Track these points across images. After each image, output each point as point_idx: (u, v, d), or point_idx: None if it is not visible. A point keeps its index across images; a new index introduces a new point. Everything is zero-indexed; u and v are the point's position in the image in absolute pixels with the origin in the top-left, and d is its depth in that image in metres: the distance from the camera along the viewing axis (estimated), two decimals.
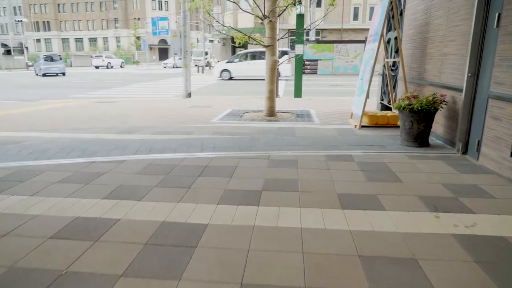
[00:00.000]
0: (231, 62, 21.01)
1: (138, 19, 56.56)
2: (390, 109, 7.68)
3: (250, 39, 7.40)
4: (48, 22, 62.76)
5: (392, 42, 7.13)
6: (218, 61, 31.57)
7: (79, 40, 62.98)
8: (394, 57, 7.12)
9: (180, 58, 12.26)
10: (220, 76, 20.58)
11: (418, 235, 2.28)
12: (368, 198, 2.89)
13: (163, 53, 57.45)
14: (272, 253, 2.08)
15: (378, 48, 5.74)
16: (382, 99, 7.98)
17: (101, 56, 42.19)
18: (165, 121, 6.96)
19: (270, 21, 7.05)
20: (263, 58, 20.57)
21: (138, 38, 51.27)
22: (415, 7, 6.00)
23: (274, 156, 4.16)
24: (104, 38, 61.73)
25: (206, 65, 36.53)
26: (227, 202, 2.83)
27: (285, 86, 14.45)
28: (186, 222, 2.48)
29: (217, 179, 3.37)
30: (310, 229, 2.36)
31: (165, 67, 40.47)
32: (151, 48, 50.73)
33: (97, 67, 40.55)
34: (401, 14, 6.61)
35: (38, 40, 63.78)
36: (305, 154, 4.25)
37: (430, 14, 5.35)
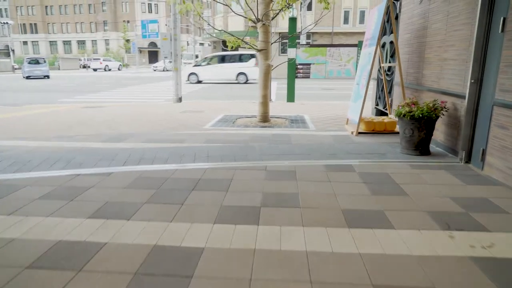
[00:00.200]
0: (199, 65, 20.95)
1: (128, 21, 55.98)
2: (385, 114, 7.57)
3: (243, 42, 7.20)
4: (35, 24, 61.69)
5: (388, 46, 7.02)
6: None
7: (67, 43, 62.02)
8: (390, 62, 7.01)
9: (170, 62, 12.00)
10: (188, 80, 20.46)
11: (434, 258, 2.10)
12: (374, 215, 2.71)
13: (153, 56, 56.94)
14: (277, 284, 1.87)
15: (375, 53, 5.60)
16: (377, 104, 7.86)
17: (99, 59, 42.84)
18: (156, 127, 6.71)
19: (264, 24, 6.87)
20: (231, 62, 20.62)
21: (127, 41, 50.72)
22: (411, 11, 5.89)
23: (271, 167, 3.96)
24: (93, 40, 60.92)
25: None
26: (224, 221, 2.61)
27: (277, 90, 14.27)
28: (180, 245, 2.26)
29: (212, 194, 3.15)
30: (317, 253, 2.16)
31: (155, 70, 40.11)
32: (140, 51, 50.22)
33: (95, 69, 41.14)
34: (396, 18, 6.49)
35: (25, 43, 62.62)
36: (304, 164, 4.06)
37: (428, 18, 5.23)
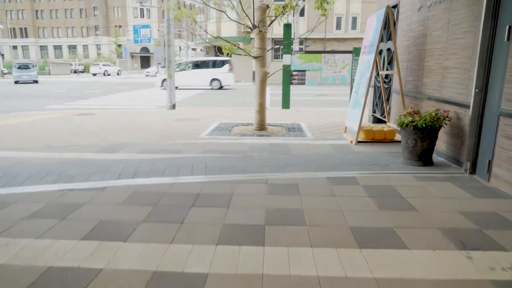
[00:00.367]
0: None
1: (120, 26, 55.63)
2: (382, 121, 7.50)
3: (238, 49, 7.09)
4: (25, 28, 60.95)
5: (385, 53, 6.97)
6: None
7: (58, 48, 61.33)
8: (387, 69, 6.95)
9: (163, 67, 11.82)
10: (162, 86, 20.39)
11: (454, 283, 1.98)
12: (385, 233, 2.58)
13: (145, 61, 56.60)
14: None
15: (375, 60, 5.52)
16: (374, 111, 7.80)
17: (98, 64, 43.39)
18: (150, 136, 6.53)
19: (260, 31, 6.77)
20: (205, 68, 20.61)
21: (119, 46, 50.36)
22: (409, 18, 5.84)
23: (272, 180, 3.82)
24: (84, 45, 60.35)
25: None
26: (228, 242, 2.46)
27: (271, 97, 14.17)
28: (183, 271, 2.10)
29: (212, 211, 2.99)
30: (329, 278, 2.02)
31: (147, 76, 39.87)
32: (132, 56, 49.87)
33: (94, 74, 41.66)
34: (394, 25, 6.43)
35: (15, 47, 61.78)
36: (306, 177, 3.93)
37: (427, 26, 5.17)
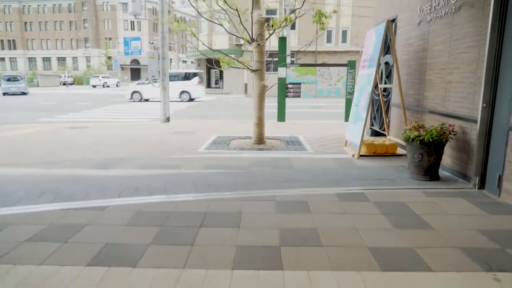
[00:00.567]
0: (142, 83, 21.00)
1: (110, 39, 55.44)
2: (380, 134, 7.50)
3: (237, 62, 7.03)
4: (13, 40, 60.26)
5: (383, 67, 7.00)
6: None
7: (46, 59, 60.67)
8: (385, 83, 6.98)
9: (155, 80, 11.69)
10: (131, 98, 20.37)
11: None
12: (406, 254, 2.49)
13: (135, 73, 56.31)
14: None
15: (376, 74, 5.52)
16: (372, 124, 7.80)
17: (98, 76, 44.05)
18: (147, 150, 6.37)
19: (259, 44, 6.74)
20: (174, 80, 20.67)
21: (109, 58, 50.13)
22: (408, 32, 5.88)
23: (280, 197, 3.71)
24: (73, 57, 59.82)
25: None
26: (244, 266, 2.33)
27: (266, 109, 14.14)
28: None
29: (223, 231, 2.87)
30: None
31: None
32: (122, 68, 49.66)
33: (94, 86, 42.22)
34: (386, 39, 6.47)
35: (2, 59, 60.93)
36: (314, 193, 3.84)
37: (427, 40, 5.20)
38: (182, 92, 20.48)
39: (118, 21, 56.23)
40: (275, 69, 10.36)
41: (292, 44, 25.93)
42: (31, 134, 8.27)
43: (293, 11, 6.62)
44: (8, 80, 25.94)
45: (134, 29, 56.63)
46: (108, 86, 42.32)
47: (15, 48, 60.56)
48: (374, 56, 5.59)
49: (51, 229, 2.91)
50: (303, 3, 6.56)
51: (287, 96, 11.11)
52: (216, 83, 35.95)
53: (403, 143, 5.81)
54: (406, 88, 5.89)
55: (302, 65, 11.57)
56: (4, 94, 25.36)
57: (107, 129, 9.18)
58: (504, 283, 2.13)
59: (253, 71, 6.89)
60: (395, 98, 6.49)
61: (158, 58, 11.08)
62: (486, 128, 3.81)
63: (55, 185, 4.10)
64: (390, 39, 5.54)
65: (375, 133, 7.70)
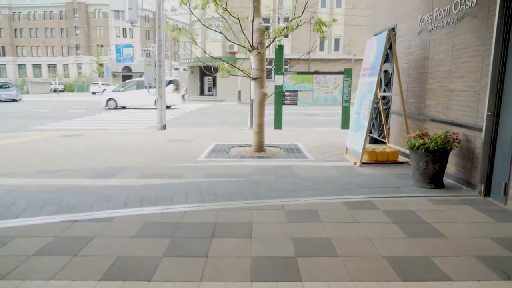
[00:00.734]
0: (117, 91, 21.13)
1: (101, 46, 55.15)
2: (379, 141, 7.54)
3: (237, 70, 7.03)
4: (3, 47, 59.53)
5: (382, 75, 7.07)
6: (186, 89, 31.15)
7: (37, 66, 59.98)
8: (385, 91, 7.04)
9: (151, 87, 11.63)
10: (107, 105, 20.38)
11: None
12: (423, 263, 2.48)
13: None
14: None
15: (378, 83, 5.56)
16: (370, 132, 7.84)
17: (98, 83, 44.29)
18: (146, 159, 6.29)
19: (259, 52, 6.75)
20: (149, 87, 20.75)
21: (101, 65, 49.83)
22: (408, 41, 5.95)
23: (289, 206, 3.68)
24: (64, 64, 59.24)
25: (186, 93, 35.99)
26: (262, 278, 2.29)
27: None
28: None
29: (235, 242, 2.82)
30: None
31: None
32: (114, 75, 49.26)
33: (94, 93, 42.41)
34: (390, 47, 6.54)
35: None
36: (321, 202, 3.82)
37: (428, 49, 5.27)
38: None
39: (110, 28, 56.01)
40: (267, 76, 10.46)
41: (286, 52, 26.10)
42: (26, 142, 8.12)
43: (293, 19, 6.65)
44: (0, 87, 25.81)
45: (126, 36, 56.47)
46: None
47: (4, 55, 59.80)
48: (376, 64, 5.64)
49: (57, 242, 2.83)
50: (303, 11, 6.61)
51: (284, 104, 11.14)
52: (209, 91, 35.94)
53: (404, 151, 5.86)
54: (406, 96, 5.94)
55: (299, 73, 11.62)
56: None
57: (102, 137, 9.06)
58: None
59: (253, 79, 6.89)
60: (395, 106, 6.54)
61: (155, 66, 11.03)
62: (491, 136, 3.85)
63: (57, 196, 4.01)
64: (392, 48, 5.59)
65: (374, 141, 7.75)
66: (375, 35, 7.14)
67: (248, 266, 2.44)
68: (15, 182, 4.70)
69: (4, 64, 60.01)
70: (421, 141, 4.28)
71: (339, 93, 11.03)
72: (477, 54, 4.10)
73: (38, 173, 5.24)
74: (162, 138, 9.00)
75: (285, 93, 11.02)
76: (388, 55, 6.78)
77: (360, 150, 5.70)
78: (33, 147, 7.47)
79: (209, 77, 35.64)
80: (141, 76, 48.94)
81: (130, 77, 56.11)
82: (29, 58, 59.69)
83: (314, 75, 11.23)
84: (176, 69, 57.51)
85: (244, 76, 7.04)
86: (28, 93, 41.15)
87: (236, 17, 6.30)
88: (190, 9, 6.47)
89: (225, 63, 7.24)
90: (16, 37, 59.45)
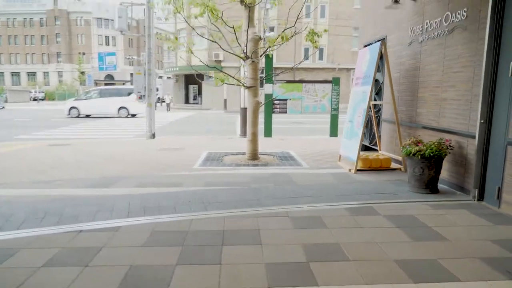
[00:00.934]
0: (79, 99, 21.15)
1: (83, 53, 54.31)
2: (369, 149, 7.71)
3: (231, 78, 7.09)
4: None
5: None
6: (171, 98, 30.96)
7: (15, 74, 58.40)
8: (375, 99, 7.23)
9: (141, 95, 11.57)
10: (69, 114, 20.34)
11: None
12: (431, 265, 2.56)
13: None
14: None
15: (372, 91, 5.72)
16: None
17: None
18: (141, 168, 6.24)
19: (253, 62, 6.84)
20: (112, 96, 20.77)
21: (82, 73, 48.98)
22: (399, 52, 6.16)
23: (293, 213, 3.73)
24: (44, 72, 57.93)
25: (158, 101, 35.66)
26: (279, 283, 2.32)
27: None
28: None
29: (246, 249, 2.85)
30: None
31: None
32: (96, 84, 48.48)
33: None
34: (381, 58, 6.74)
35: None
36: (324, 208, 3.89)
37: (419, 60, 5.47)
38: (121, 108, 20.41)
39: (93, 36, 55.31)
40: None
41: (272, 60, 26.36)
42: (13, 152, 7.91)
43: (286, 29, 6.77)
44: None
45: (109, 44, 55.88)
46: None
47: None
48: (369, 73, 5.81)
49: (65, 252, 2.78)
50: (295, 22, 6.75)
51: (273, 112, 11.26)
52: (194, 99, 35.82)
53: (397, 157, 6.02)
54: (398, 104, 6.11)
55: (288, 81, 11.79)
56: None
57: (91, 146, 8.91)
58: None
59: (247, 87, 6.96)
60: (386, 114, 6.73)
61: (145, 74, 10.98)
62: (484, 143, 4.02)
63: (56, 206, 3.94)
64: (383, 58, 5.78)
65: (365, 148, 7.91)
66: (365, 46, 7.37)
67: (263, 272, 2.47)
68: (10, 193, 4.58)
69: None
70: (416, 148, 4.42)
71: (327, 101, 11.24)
72: (468, 64, 4.29)
73: (32, 183, 5.12)
74: (153, 147, 8.93)
75: (275, 102, 11.15)
76: (379, 65, 6.97)
77: (355, 157, 5.83)
78: (23, 157, 7.30)
79: (194, 86, 35.56)
80: (123, 84, 48.48)
81: (112, 85, 55.44)
82: (7, 66, 58.12)
83: (304, 84, 11.43)
84: (160, 77, 57.17)
85: (238, 85, 7.11)
86: (6, 101, 40.01)
87: (232, 26, 6.38)
88: (184, 19, 6.52)
89: (219, 71, 7.29)
90: None
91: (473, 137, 4.14)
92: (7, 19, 57.20)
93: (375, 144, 7.12)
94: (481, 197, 4.12)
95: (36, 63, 57.72)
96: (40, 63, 57.65)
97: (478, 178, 4.11)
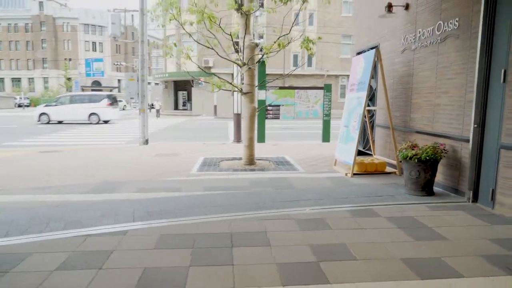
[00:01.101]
0: (50, 105, 21.06)
1: (70, 59, 53.64)
2: (363, 153, 7.86)
3: (228, 85, 7.17)
4: None
5: None
6: (160, 104, 30.82)
7: None
8: (369, 105, 7.40)
9: (133, 101, 11.56)
10: (39, 120, 20.24)
11: None
12: (436, 263, 2.67)
13: None
14: None
15: (367, 97, 5.88)
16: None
17: None
18: (138, 173, 6.23)
19: (249, 68, 6.95)
20: (83, 102, 20.71)
21: (68, 79, 48.36)
22: (392, 59, 6.35)
23: (297, 215, 3.81)
24: (29, 78, 56.91)
25: (148, 108, 35.42)
26: (292, 282, 2.39)
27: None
28: None
29: (256, 250, 2.91)
30: None
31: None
32: (83, 90, 47.93)
33: None
34: (376, 65, 6.92)
35: None
36: (326, 211, 3.98)
37: (412, 67, 5.66)
38: (92, 114, 20.13)
39: (79, 42, 54.73)
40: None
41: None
42: (8, 159, 7.79)
43: (281, 36, 6.89)
44: None
45: (96, 50, 55.37)
46: None
47: None
48: (364, 79, 5.97)
49: (76, 256, 2.80)
50: (290, 29, 6.89)
51: (266, 118, 11.37)
52: (184, 105, 35.66)
53: (391, 162, 6.18)
54: (391, 110, 6.29)
55: (281, 88, 11.94)
56: None
57: (84, 153, 8.84)
58: None
59: (243, 94, 7.05)
60: (379, 119, 6.90)
61: (137, 80, 10.97)
62: (477, 146, 4.19)
63: (59, 212, 3.93)
64: (379, 65, 5.95)
65: (359, 153, 8.05)
66: (357, 53, 7.56)
67: (275, 272, 2.53)
68: (11, 199, 4.55)
69: None
70: (413, 152, 4.57)
71: (320, 107, 11.41)
72: (461, 71, 4.48)
73: (31, 189, 5.08)
74: (147, 152, 8.92)
75: (268, 108, 11.28)
76: (375, 72, 7.16)
77: (351, 161, 5.96)
78: (17, 164, 7.20)
79: (184, 92, 35.46)
80: (111, 90, 48.00)
81: (99, 91, 54.84)
82: None
83: (296, 90, 11.60)
84: (149, 83, 56.85)
85: (235, 91, 7.20)
86: None
87: (229, 34, 6.48)
88: (182, 25, 6.59)
89: (216, 77, 7.37)
90: None
91: (467, 141, 4.31)
92: None
93: (369, 149, 7.28)
94: (475, 199, 4.28)
95: (21, 69, 56.68)
96: (25, 69, 56.63)
97: (472, 180, 4.27)
